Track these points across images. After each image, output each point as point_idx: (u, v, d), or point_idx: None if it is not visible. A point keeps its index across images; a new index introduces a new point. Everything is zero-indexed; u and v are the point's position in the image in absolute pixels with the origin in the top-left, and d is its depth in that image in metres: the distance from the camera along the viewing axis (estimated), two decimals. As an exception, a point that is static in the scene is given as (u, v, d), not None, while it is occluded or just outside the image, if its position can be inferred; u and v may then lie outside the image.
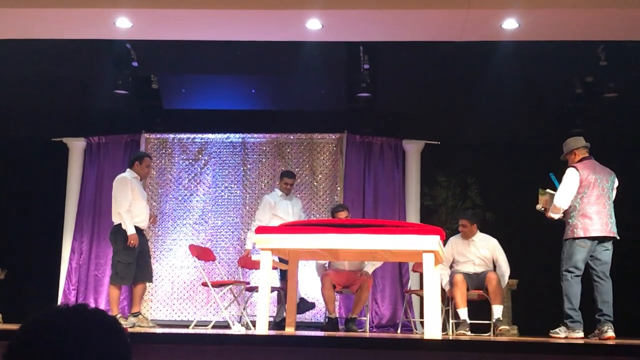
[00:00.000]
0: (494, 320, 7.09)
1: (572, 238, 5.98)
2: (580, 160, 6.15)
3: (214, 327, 7.69)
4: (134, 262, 6.92)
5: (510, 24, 6.71)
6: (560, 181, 6.14)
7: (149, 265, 7.21)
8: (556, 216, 6.14)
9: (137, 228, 6.98)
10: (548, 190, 6.31)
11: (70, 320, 1.37)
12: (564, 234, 6.10)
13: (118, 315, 6.83)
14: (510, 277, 7.80)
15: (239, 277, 8.80)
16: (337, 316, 7.76)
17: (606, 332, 5.73)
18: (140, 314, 7.15)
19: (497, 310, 7.09)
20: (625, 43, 7.47)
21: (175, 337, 4.81)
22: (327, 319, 7.62)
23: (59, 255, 9.32)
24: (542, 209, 6.31)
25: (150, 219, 7.27)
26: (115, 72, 8.70)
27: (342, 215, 7.62)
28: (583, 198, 5.98)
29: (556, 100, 9.07)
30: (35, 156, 9.53)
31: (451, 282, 7.27)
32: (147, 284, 7.71)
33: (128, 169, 7.29)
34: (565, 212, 6.09)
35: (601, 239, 5.98)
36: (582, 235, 5.94)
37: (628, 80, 8.35)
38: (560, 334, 5.90)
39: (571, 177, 6.02)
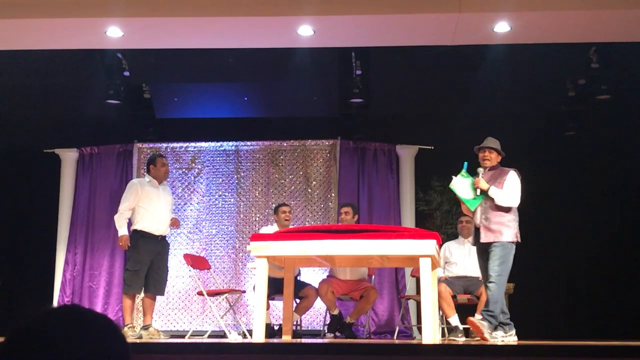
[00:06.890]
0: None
1: (514, 242, 5.97)
2: (498, 165, 6.18)
3: (210, 336, 7.63)
4: (142, 270, 6.76)
5: (502, 27, 6.70)
6: (470, 173, 6.11)
7: (159, 277, 6.94)
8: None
9: (147, 233, 6.83)
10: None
11: (61, 319, 1.32)
12: (495, 235, 5.93)
13: (129, 326, 6.73)
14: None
15: (234, 285, 8.76)
16: (340, 311, 7.54)
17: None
18: (151, 326, 6.91)
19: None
20: (617, 45, 7.48)
21: (172, 347, 4.77)
22: (331, 318, 7.47)
23: (52, 267, 9.25)
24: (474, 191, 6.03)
25: (170, 222, 7.07)
26: (107, 82, 8.65)
27: (344, 210, 7.63)
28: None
29: (549, 103, 9.06)
30: (27, 168, 9.48)
31: None
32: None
33: (145, 174, 7.17)
34: (504, 214, 5.99)
35: None
36: (519, 241, 5.98)
37: (620, 82, 8.35)
38: (499, 338, 5.76)
39: (518, 180, 6.08)
